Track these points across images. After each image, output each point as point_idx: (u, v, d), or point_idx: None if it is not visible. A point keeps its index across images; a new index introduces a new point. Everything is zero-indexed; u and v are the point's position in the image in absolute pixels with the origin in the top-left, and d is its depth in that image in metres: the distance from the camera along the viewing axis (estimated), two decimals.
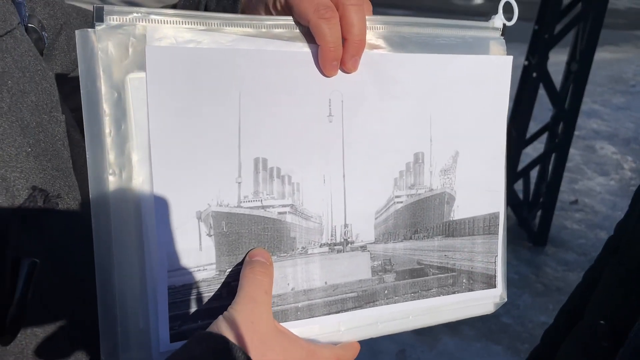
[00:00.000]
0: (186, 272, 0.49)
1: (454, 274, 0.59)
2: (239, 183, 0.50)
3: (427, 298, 0.58)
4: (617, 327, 0.66)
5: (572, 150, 3.32)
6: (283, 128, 0.51)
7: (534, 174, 3.42)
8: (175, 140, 0.47)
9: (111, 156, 0.45)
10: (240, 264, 0.51)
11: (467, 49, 0.57)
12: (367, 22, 0.52)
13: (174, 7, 0.66)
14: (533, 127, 3.38)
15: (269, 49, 0.50)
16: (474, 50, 0.57)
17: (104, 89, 0.45)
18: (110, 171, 0.45)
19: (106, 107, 0.45)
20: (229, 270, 0.50)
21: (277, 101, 0.50)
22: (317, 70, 0.51)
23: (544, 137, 3.37)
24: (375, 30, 0.54)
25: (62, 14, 0.59)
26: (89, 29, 0.44)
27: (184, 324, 0.49)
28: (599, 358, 0.68)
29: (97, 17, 0.44)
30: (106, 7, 0.45)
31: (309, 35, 0.51)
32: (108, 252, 0.46)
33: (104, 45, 0.44)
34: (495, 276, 0.62)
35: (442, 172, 0.57)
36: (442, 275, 0.59)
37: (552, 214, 3.30)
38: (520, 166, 3.39)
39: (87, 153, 0.45)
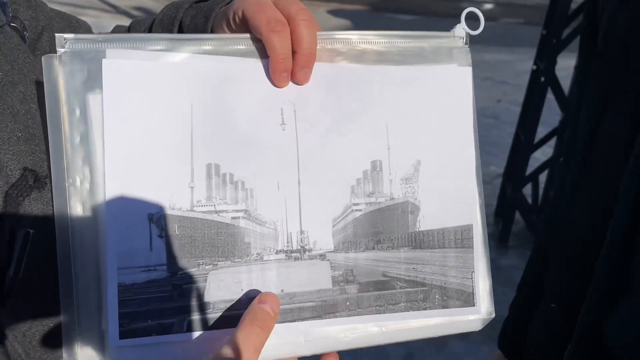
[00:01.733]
0: (136, 270, 0.51)
1: (424, 288, 0.57)
2: (192, 188, 0.52)
3: (394, 312, 0.56)
4: (570, 309, 0.70)
5: None
6: (236, 136, 0.53)
7: (542, 178, 3.40)
8: (129, 148, 0.51)
9: (71, 166, 0.50)
10: (193, 266, 0.52)
11: (427, 59, 0.57)
12: (322, 37, 0.54)
13: (150, 25, 0.72)
14: (541, 132, 3.36)
15: (222, 63, 0.53)
16: (435, 60, 0.58)
17: (65, 108, 0.50)
18: (70, 180, 0.50)
19: (67, 125, 0.50)
20: (181, 272, 0.52)
21: (229, 111, 0.53)
22: (269, 82, 0.54)
23: (552, 142, 3.36)
24: (331, 45, 0.56)
25: (44, 17, 0.65)
26: (53, 55, 0.50)
27: (133, 322, 0.50)
28: (560, 336, 0.72)
29: (59, 43, 0.50)
30: (67, 35, 0.50)
31: (263, 51, 0.54)
32: (68, 252, 0.49)
33: (65, 69, 0.50)
34: (473, 293, 0.58)
35: (404, 180, 0.57)
36: (411, 289, 0.57)
37: None
38: (529, 170, 3.37)
39: (51, 165, 0.50)
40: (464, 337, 2.53)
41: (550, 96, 3.18)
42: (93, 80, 0.50)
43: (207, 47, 0.53)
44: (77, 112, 0.50)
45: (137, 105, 0.51)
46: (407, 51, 0.57)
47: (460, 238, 0.58)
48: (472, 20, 0.58)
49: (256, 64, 0.54)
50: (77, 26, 0.73)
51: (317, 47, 0.53)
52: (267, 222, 0.54)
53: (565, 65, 3.23)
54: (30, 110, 0.54)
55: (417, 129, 0.57)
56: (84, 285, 0.49)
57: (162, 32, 0.69)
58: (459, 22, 0.58)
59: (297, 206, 0.55)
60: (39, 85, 0.53)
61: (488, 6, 8.33)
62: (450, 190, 0.58)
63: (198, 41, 0.53)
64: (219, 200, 0.53)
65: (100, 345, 0.50)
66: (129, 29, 0.75)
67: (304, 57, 0.53)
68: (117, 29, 0.75)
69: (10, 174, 0.52)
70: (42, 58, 0.50)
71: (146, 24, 0.73)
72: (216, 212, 0.53)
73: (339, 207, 0.55)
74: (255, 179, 0.54)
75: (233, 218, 0.53)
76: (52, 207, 0.54)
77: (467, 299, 0.58)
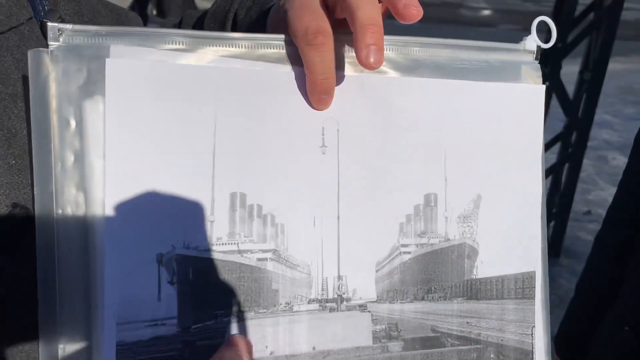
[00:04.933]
0: (140, 326, 0.41)
1: (478, 346, 0.48)
2: (212, 222, 0.42)
3: None
4: None
5: (584, 161, 3.33)
6: (266, 158, 0.43)
7: (546, 184, 3.41)
8: (135, 171, 0.41)
9: (61, 194, 0.39)
10: (210, 319, 0.42)
11: (492, 75, 0.48)
12: None
13: (201, 18, 0.61)
14: (545, 137, 3.35)
15: (253, 70, 0.43)
16: (501, 77, 0.49)
17: (56, 118, 0.39)
18: (59, 211, 0.39)
19: (57, 140, 0.39)
20: (195, 327, 0.42)
21: (260, 126, 0.43)
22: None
23: (556, 147, 3.32)
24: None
25: (89, 11, 0.54)
26: (42, 49, 0.39)
27: None
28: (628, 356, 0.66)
29: (52, 35, 0.39)
30: (63, 25, 0.40)
31: None
32: (53, 306, 0.39)
33: (58, 68, 0.39)
34: (532, 352, 0.50)
35: (461, 218, 0.48)
36: (464, 347, 0.48)
37: (566, 225, 3.27)
38: None
39: (34, 188, 0.39)
40: None
41: (553, 101, 3.13)
42: (93, 84, 0.40)
43: (235, 49, 0.43)
44: (72, 124, 0.40)
45: (148, 117, 0.41)
46: (470, 64, 0.48)
47: (522, 287, 0.49)
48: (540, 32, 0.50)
49: (295, 73, 0.44)
50: (127, 21, 0.61)
51: None
52: (300, 265, 0.45)
53: (569, 71, 3.20)
54: None
55: (479, 158, 0.48)
56: (73, 349, 0.39)
57: (215, 27, 0.58)
58: (529, 33, 0.49)
59: (336, 246, 0.45)
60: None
61: (486, 12, 8.24)
62: (513, 231, 0.49)
63: (224, 40, 0.43)
64: (244, 238, 0.43)
65: None
66: (179, 24, 0.63)
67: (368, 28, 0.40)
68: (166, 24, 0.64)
69: None
70: (29, 53, 0.39)
71: (195, 18, 0.62)
72: (239, 252, 0.43)
73: (384, 249, 0.46)
74: (288, 212, 0.44)
75: (259, 260, 0.44)
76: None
77: (526, 358, 0.50)
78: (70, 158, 0.40)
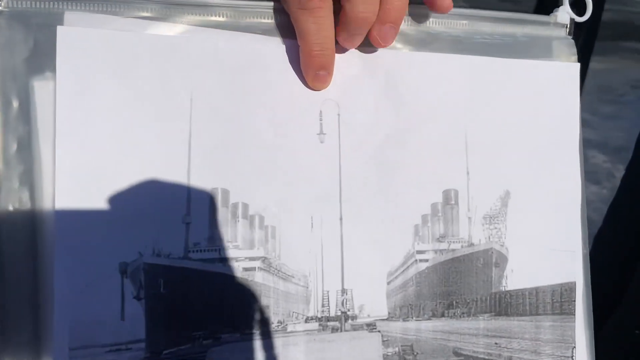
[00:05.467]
0: (99, 351, 0.33)
1: None
2: (188, 224, 0.35)
3: None
4: None
5: None
6: (253, 148, 0.36)
7: None
8: (92, 159, 0.33)
9: (3, 188, 0.32)
10: (186, 341, 0.35)
11: (519, 51, 0.41)
12: None
13: None
14: None
15: (237, 42, 0.36)
16: (530, 53, 0.42)
17: None
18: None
19: None
20: (166, 351, 0.34)
21: (245, 110, 0.36)
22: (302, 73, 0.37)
23: None
24: None
25: None
26: None
27: None
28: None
29: None
30: None
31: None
32: None
33: (0, 38, 0.32)
34: None
35: (487, 219, 0.40)
36: None
37: None
38: None
39: None
40: None
41: None
42: (42, 57, 0.33)
43: (215, 18, 0.36)
44: (15, 104, 0.33)
45: (108, 97, 0.34)
46: (493, 38, 0.41)
47: (559, 301, 0.42)
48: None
49: (285, 46, 0.37)
50: None
51: None
52: (295, 276, 0.37)
53: None
54: None
55: (507, 148, 0.41)
56: None
57: None
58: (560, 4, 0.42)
59: (339, 253, 0.38)
60: None
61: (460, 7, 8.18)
62: (548, 234, 0.41)
63: (202, 8, 0.36)
64: (227, 243, 0.36)
65: None
66: None
67: (391, 4, 0.35)
68: None
69: None
70: None
71: None
72: (221, 260, 0.36)
73: (396, 256, 0.39)
74: (280, 212, 0.37)
75: (246, 269, 0.36)
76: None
77: None
78: (12, 146, 0.33)
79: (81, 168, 0.33)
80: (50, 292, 0.32)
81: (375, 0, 0.35)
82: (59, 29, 0.33)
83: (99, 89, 0.34)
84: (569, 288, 0.42)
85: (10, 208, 0.32)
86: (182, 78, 0.35)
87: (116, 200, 0.34)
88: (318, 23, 0.35)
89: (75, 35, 0.33)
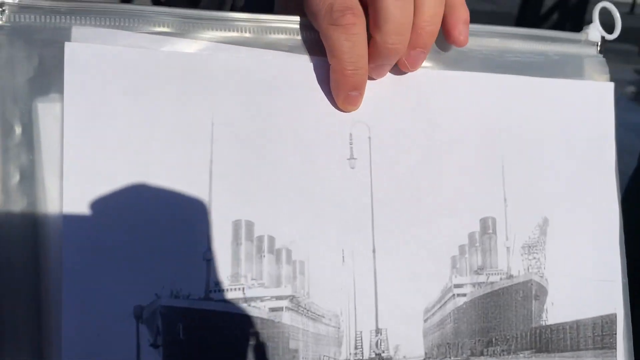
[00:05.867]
0: None
1: None
2: (208, 260, 0.32)
3: None
4: None
5: None
6: (279, 175, 0.33)
7: None
8: (103, 191, 0.30)
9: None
10: None
11: (551, 70, 0.39)
12: None
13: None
14: None
15: (262, 60, 0.33)
16: (562, 72, 0.40)
17: None
18: None
19: None
20: None
21: (270, 134, 0.33)
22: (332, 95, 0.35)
23: None
24: None
25: None
26: None
27: None
28: None
29: None
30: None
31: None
32: None
33: (1, 55, 0.29)
34: None
35: (525, 249, 0.38)
36: None
37: None
38: None
39: None
40: None
41: None
42: (47, 77, 0.30)
43: (238, 34, 0.33)
44: (17, 130, 0.29)
45: (121, 121, 0.30)
46: (524, 57, 0.39)
47: (600, 334, 0.39)
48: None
49: (314, 65, 0.35)
50: None
51: None
52: (326, 316, 0.34)
53: None
54: None
55: (543, 171, 0.38)
56: None
57: (212, 6, 0.46)
58: (590, 21, 0.41)
59: (372, 290, 0.35)
60: None
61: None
62: (587, 263, 0.39)
63: (223, 22, 0.33)
64: (251, 281, 0.32)
65: None
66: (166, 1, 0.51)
67: (423, 29, 0.33)
68: None
69: None
70: None
71: None
72: (246, 300, 0.32)
73: (434, 291, 0.36)
74: (308, 246, 0.33)
75: (272, 310, 0.33)
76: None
77: None
78: (14, 176, 0.29)
79: (91, 201, 0.30)
80: (57, 341, 0.29)
81: (407, 29, 0.33)
82: (67, 45, 0.30)
83: (110, 111, 0.30)
84: (610, 320, 0.39)
85: (13, 246, 0.28)
86: (202, 99, 0.32)
87: (130, 236, 0.30)
88: (351, 40, 0.32)
89: (85, 52, 0.30)
